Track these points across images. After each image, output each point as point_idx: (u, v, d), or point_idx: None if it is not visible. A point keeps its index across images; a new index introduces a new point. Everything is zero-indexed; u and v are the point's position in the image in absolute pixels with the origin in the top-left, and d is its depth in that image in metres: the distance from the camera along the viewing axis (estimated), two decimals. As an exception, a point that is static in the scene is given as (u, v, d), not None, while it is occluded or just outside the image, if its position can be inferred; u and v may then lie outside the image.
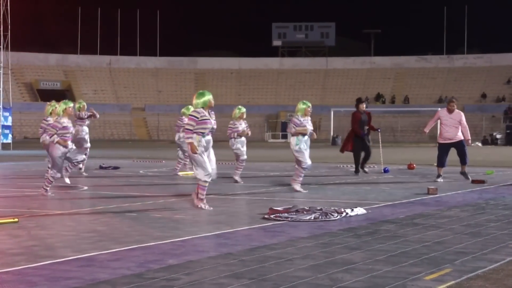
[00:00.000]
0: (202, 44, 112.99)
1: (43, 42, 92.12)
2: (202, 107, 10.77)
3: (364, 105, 19.64)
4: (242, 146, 16.23)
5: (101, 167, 21.47)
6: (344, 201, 12.02)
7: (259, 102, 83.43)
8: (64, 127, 13.02)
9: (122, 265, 6.44)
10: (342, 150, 19.63)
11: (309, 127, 14.06)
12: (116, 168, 21.54)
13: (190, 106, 16.12)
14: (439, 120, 16.77)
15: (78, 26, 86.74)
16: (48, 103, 15.08)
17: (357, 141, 18.86)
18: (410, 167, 21.20)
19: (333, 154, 33.96)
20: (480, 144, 55.22)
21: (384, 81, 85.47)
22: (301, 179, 14.01)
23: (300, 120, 13.98)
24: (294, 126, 14.00)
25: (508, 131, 56.84)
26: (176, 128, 18.58)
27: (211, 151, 10.92)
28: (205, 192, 10.81)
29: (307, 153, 13.98)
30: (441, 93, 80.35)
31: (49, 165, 13.98)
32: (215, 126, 10.89)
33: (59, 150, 13.01)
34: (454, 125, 16.59)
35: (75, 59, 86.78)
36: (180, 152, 18.79)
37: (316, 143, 59.17)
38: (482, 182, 16.04)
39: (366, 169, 18.98)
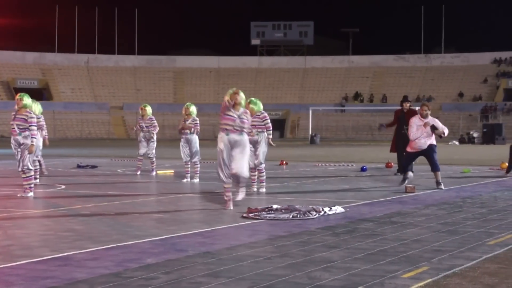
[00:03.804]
0: (180, 43, 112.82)
1: (20, 40, 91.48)
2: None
3: (408, 104, 18.64)
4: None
5: (79, 166, 21.38)
6: (323, 200, 12.05)
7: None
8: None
9: (100, 264, 6.41)
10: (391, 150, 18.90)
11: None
12: (94, 167, 21.45)
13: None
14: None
15: (55, 24, 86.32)
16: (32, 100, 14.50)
17: (399, 141, 17.95)
18: (388, 165, 21.29)
19: (312, 153, 34.06)
20: (457, 143, 55.57)
21: (362, 80, 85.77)
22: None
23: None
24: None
25: (484, 130, 57.22)
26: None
27: (238, 150, 10.77)
28: (227, 193, 10.81)
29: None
30: (418, 92, 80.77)
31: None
32: (242, 124, 10.79)
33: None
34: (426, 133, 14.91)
35: (53, 57, 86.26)
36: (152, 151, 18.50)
37: (294, 142, 59.30)
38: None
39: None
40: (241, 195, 10.96)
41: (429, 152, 14.73)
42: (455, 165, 22.73)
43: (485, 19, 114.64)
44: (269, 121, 13.85)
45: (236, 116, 10.79)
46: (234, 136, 10.76)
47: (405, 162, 15.42)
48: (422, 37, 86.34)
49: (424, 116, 14.66)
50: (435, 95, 79.27)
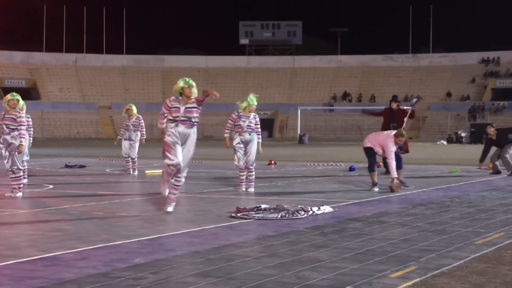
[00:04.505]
0: (169, 42, 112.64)
1: (8, 39, 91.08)
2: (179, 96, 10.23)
3: (395, 104, 18.91)
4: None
5: (67, 166, 21.31)
6: (311, 200, 12.06)
7: (226, 101, 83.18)
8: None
9: (88, 264, 6.39)
10: None
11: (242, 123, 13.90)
12: (82, 166, 21.39)
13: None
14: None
15: (43, 24, 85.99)
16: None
17: None
18: (376, 165, 21.30)
19: (300, 153, 34.08)
20: (445, 143, 55.74)
21: (351, 80, 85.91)
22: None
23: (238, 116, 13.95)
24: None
25: (472, 130, 57.45)
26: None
27: (188, 143, 10.17)
28: (168, 177, 10.24)
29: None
30: (407, 92, 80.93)
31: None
32: (189, 114, 10.08)
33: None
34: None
35: (41, 56, 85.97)
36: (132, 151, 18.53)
37: (283, 142, 59.31)
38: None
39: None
40: (171, 207, 10.25)
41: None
42: (443, 165, 22.80)
43: (473, 19, 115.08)
44: (259, 126, 14.07)
45: (182, 106, 10.11)
46: (183, 128, 10.07)
47: (372, 159, 14.89)
48: (410, 37, 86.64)
49: (398, 145, 14.64)
50: (423, 94, 79.45)
